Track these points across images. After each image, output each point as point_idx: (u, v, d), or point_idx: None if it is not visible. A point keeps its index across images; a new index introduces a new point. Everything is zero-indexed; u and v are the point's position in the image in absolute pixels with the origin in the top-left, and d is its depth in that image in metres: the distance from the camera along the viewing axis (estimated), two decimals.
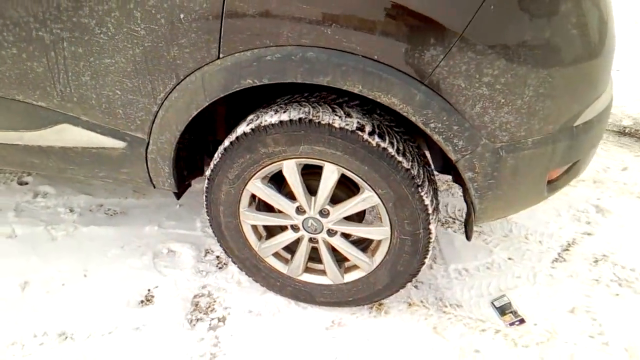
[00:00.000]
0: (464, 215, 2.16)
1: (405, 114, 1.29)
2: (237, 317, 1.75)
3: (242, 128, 1.46)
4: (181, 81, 1.39)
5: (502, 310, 1.75)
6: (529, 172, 1.38)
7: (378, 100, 1.28)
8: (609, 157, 2.64)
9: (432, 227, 1.47)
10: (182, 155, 1.66)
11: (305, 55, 1.25)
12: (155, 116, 1.49)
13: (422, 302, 1.81)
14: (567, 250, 2.03)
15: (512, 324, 1.70)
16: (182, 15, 1.30)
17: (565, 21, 1.21)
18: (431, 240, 1.50)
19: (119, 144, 1.59)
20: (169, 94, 1.43)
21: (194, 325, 1.73)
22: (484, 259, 1.99)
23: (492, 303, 1.78)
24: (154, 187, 1.70)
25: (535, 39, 1.20)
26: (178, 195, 1.76)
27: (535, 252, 2.02)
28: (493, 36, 1.19)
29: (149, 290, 1.87)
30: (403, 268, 1.57)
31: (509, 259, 1.99)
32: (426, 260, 1.55)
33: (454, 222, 2.20)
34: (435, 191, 1.52)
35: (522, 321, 1.71)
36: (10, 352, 1.62)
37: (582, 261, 1.97)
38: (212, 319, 1.75)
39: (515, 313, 1.73)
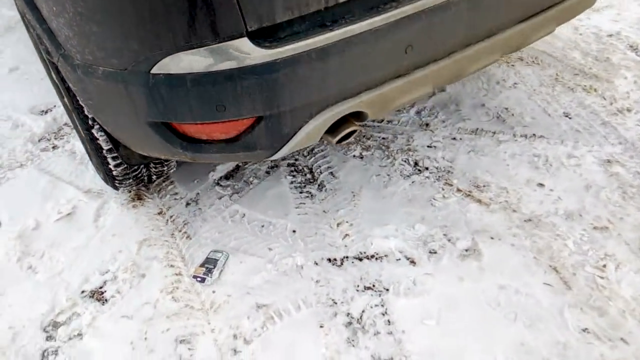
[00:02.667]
0: None
1: None
2: None
3: None
4: None
5: (207, 261, 1.60)
6: (115, 107, 1.19)
7: None
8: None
9: None
10: None
11: None
12: None
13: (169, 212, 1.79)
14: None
15: (195, 277, 1.57)
16: None
17: None
18: None
19: None
20: None
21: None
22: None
23: (211, 251, 1.64)
24: None
25: None
26: None
27: None
28: None
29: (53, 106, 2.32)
30: None
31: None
32: None
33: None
34: None
35: (203, 280, 1.55)
36: None
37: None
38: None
39: (210, 271, 1.57)
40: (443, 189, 1.81)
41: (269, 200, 1.82)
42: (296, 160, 1.98)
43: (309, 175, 1.92)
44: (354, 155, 1.98)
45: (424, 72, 1.27)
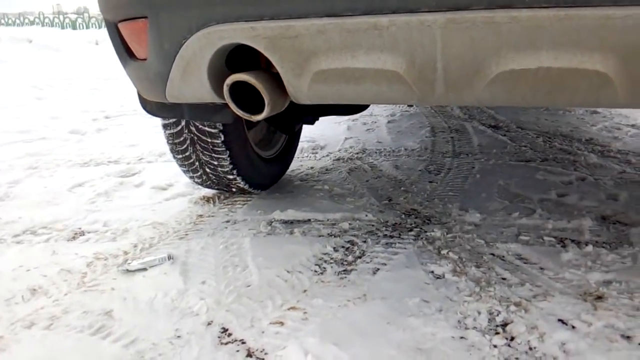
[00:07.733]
0: None
1: None
2: None
3: None
4: None
5: (153, 256, 1.30)
6: None
7: None
8: None
9: None
10: None
11: None
12: None
13: None
14: None
15: (128, 261, 1.28)
16: None
17: None
18: None
19: None
20: None
21: None
22: None
23: (168, 254, 1.32)
24: None
25: None
26: None
27: None
28: None
29: None
30: None
31: None
32: None
33: None
34: None
35: (123, 263, 1.25)
36: None
37: None
38: None
39: (135, 261, 1.26)
40: None
41: (278, 254, 1.33)
42: (363, 240, 1.39)
43: (351, 257, 1.30)
44: (432, 272, 1.22)
45: (389, 20, 0.67)
